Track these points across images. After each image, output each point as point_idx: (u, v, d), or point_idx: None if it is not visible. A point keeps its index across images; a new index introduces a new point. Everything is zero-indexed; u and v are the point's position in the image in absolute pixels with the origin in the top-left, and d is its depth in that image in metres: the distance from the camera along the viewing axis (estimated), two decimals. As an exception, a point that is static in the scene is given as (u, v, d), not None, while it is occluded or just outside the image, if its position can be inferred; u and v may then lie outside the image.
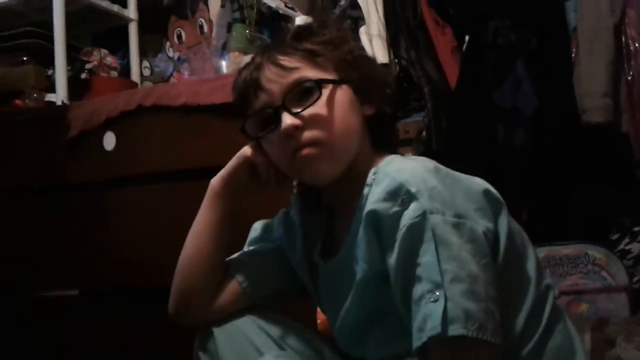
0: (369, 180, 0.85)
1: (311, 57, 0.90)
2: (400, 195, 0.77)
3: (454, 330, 0.72)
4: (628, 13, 1.77)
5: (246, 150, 0.97)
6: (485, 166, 1.74)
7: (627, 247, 1.65)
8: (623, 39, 1.78)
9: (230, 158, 1.00)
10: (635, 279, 1.61)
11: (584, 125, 1.69)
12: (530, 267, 0.85)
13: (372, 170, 0.85)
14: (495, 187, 0.86)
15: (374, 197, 0.80)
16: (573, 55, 1.76)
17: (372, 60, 0.98)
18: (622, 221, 1.69)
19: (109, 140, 1.73)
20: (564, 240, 1.64)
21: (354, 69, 0.91)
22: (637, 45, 1.78)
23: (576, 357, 0.85)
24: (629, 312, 1.54)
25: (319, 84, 0.88)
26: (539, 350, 0.82)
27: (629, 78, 1.78)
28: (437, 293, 0.73)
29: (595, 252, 1.61)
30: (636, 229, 1.66)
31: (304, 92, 0.88)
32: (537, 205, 1.73)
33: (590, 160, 1.68)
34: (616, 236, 1.68)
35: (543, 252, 1.63)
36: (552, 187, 1.72)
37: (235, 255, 1.05)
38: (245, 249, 1.07)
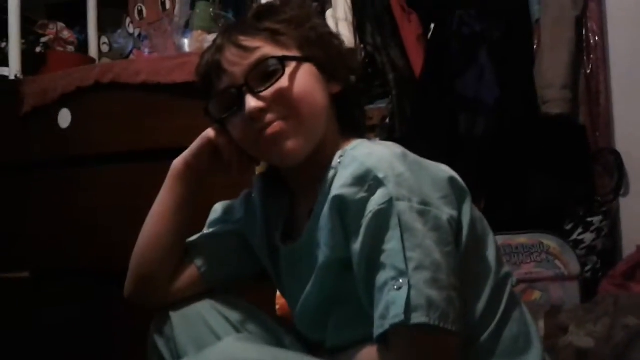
0: (334, 163, 0.84)
1: (273, 37, 0.88)
2: (368, 180, 0.76)
3: (417, 318, 0.72)
4: (590, 6, 1.81)
5: (209, 132, 0.95)
6: (446, 154, 1.76)
7: (580, 237, 1.70)
8: (584, 32, 1.81)
9: (191, 139, 0.98)
10: (587, 268, 1.65)
11: (543, 116, 1.72)
12: (491, 255, 0.86)
13: (339, 153, 0.84)
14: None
15: (340, 181, 0.79)
16: (535, 47, 1.79)
17: (337, 38, 0.96)
18: (576, 211, 1.73)
19: (65, 117, 1.68)
20: (520, 229, 1.67)
21: (318, 46, 0.90)
22: (597, 39, 1.81)
23: (532, 344, 0.86)
24: (579, 300, 1.58)
25: (282, 61, 0.86)
26: (496, 338, 0.83)
27: (588, 71, 1.82)
28: (401, 281, 0.73)
29: (550, 242, 1.64)
30: (589, 219, 1.71)
31: (266, 71, 0.86)
32: (495, 194, 1.76)
33: (548, 151, 1.72)
34: (570, 226, 1.72)
35: (499, 240, 1.63)
36: (510, 177, 1.75)
37: (194, 237, 1.03)
38: (205, 230, 1.05)
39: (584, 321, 1.11)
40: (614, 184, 1.74)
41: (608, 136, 1.79)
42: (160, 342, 0.96)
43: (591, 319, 1.11)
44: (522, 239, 1.67)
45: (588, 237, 1.70)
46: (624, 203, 1.76)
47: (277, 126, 0.85)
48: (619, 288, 1.51)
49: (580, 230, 1.71)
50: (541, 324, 1.14)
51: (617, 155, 1.75)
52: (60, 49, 2.00)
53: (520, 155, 1.73)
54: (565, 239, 1.66)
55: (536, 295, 1.63)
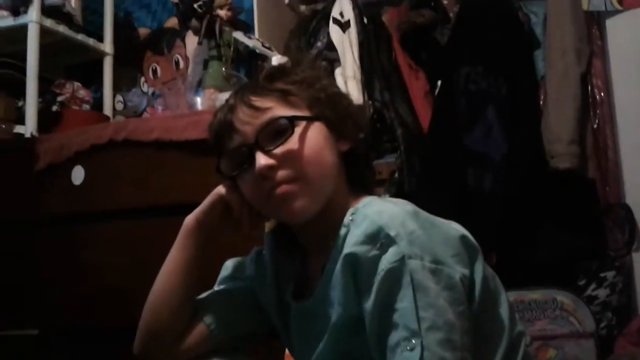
0: (346, 220, 0.84)
1: (284, 97, 0.90)
2: (380, 238, 0.77)
3: None
4: (594, 63, 1.84)
5: (220, 189, 0.96)
6: (456, 209, 1.76)
7: (594, 293, 1.67)
8: (589, 88, 1.84)
9: (203, 195, 0.99)
10: (602, 324, 1.63)
11: (552, 170, 1.73)
12: (504, 313, 0.86)
13: (350, 210, 0.85)
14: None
15: (352, 239, 0.79)
16: (542, 103, 1.81)
17: (346, 97, 0.98)
18: (589, 266, 1.71)
19: (78, 174, 1.70)
20: (532, 285, 1.65)
21: (328, 106, 0.92)
22: (602, 94, 1.84)
23: (547, 405, 0.84)
24: (595, 358, 1.55)
25: (292, 121, 0.88)
26: (510, 398, 0.82)
27: (595, 126, 1.84)
28: (414, 341, 0.72)
29: (563, 298, 1.62)
30: (602, 274, 1.69)
31: (277, 130, 0.88)
32: (506, 250, 1.75)
33: (558, 206, 1.72)
34: (583, 282, 1.70)
35: (511, 296, 1.62)
36: (520, 232, 1.74)
37: (204, 295, 1.03)
38: (216, 287, 1.04)
39: (601, 381, 1.08)
40: (626, 239, 1.73)
41: (618, 190, 1.79)
42: (169, 402, 0.95)
43: (608, 378, 1.08)
44: (534, 295, 1.65)
45: (602, 292, 1.68)
46: (637, 257, 1.74)
47: (285, 188, 0.87)
48: (635, 346, 1.48)
49: (594, 285, 1.69)
50: (557, 383, 1.11)
51: (627, 210, 1.74)
52: (76, 107, 2.05)
53: (531, 211, 1.73)
54: (578, 295, 1.63)
55: (551, 353, 1.60)
